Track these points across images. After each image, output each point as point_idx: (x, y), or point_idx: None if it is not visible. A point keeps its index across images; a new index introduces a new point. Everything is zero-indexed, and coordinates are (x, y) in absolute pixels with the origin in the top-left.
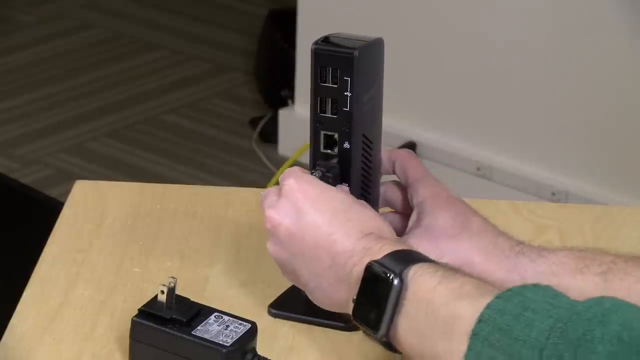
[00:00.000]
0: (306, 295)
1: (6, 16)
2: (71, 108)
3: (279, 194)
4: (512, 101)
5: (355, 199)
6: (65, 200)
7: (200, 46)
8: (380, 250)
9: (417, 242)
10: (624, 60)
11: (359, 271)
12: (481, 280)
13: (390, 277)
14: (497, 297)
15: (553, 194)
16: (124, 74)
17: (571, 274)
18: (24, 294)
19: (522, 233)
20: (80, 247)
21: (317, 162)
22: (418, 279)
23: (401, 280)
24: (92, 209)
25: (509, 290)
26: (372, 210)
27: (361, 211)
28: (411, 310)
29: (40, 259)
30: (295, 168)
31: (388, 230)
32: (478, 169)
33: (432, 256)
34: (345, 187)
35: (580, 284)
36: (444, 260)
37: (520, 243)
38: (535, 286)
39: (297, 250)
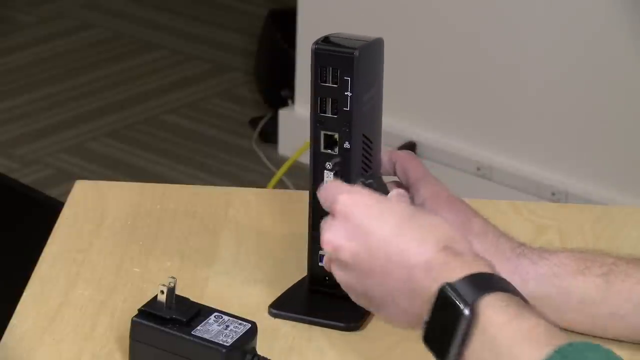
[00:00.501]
0: (306, 295)
1: (6, 16)
2: (71, 108)
3: (333, 214)
4: (512, 101)
5: (414, 206)
6: (65, 200)
7: (200, 46)
8: (458, 269)
9: None
10: (624, 60)
11: (436, 289)
12: (551, 324)
13: (462, 307)
14: (557, 352)
15: (553, 194)
16: (124, 74)
17: (572, 275)
18: (24, 294)
19: (522, 233)
20: (80, 247)
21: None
22: (489, 312)
23: (472, 311)
24: (92, 209)
25: (570, 345)
26: (438, 216)
27: (428, 218)
28: (477, 346)
29: (40, 259)
30: (338, 182)
31: (464, 240)
32: (478, 169)
33: None
34: (402, 192)
35: (582, 285)
36: None
37: (521, 245)
38: (597, 348)
39: (367, 269)
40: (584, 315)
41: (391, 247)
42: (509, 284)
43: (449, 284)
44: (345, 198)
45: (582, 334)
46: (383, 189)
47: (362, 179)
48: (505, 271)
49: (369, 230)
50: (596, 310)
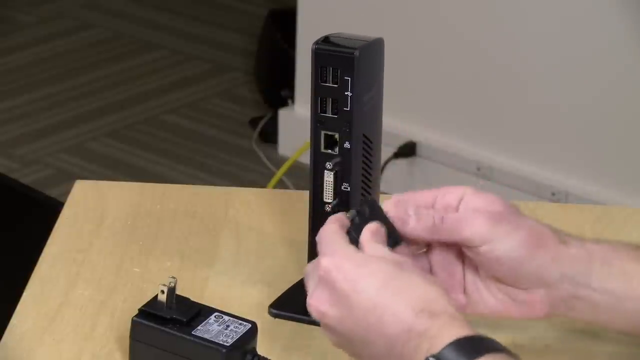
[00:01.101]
0: (306, 295)
1: (6, 16)
2: (71, 108)
3: (317, 276)
4: (512, 101)
5: (398, 263)
6: (65, 200)
7: (200, 46)
8: (438, 335)
9: None
10: (624, 60)
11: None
12: None
13: None
14: None
15: (553, 194)
16: (124, 74)
17: (631, 260)
18: (24, 294)
19: None
20: (80, 247)
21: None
22: None
23: None
24: (92, 209)
25: None
26: (420, 274)
27: (407, 279)
28: None
29: (40, 259)
30: (329, 232)
31: (441, 298)
32: (478, 169)
33: None
34: (375, 231)
35: None
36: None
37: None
38: None
39: (351, 335)
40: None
41: (371, 317)
42: (494, 342)
43: (434, 356)
44: (327, 261)
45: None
46: (378, 216)
47: (357, 208)
48: (569, 250)
49: (350, 299)
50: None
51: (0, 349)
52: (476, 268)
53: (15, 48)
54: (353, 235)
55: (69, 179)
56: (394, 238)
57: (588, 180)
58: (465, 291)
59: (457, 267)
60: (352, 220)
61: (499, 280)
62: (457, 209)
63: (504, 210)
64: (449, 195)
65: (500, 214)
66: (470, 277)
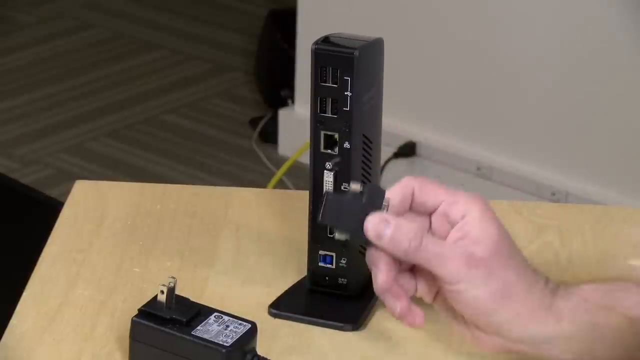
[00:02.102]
0: (306, 295)
1: (6, 16)
2: (71, 108)
3: None
4: (512, 101)
5: None
6: (65, 200)
7: (200, 46)
8: None
9: None
10: (623, 60)
11: None
12: None
13: None
14: None
15: (553, 194)
16: (124, 74)
17: (603, 310)
18: (24, 294)
19: (522, 233)
20: (80, 247)
21: None
22: None
23: None
24: (92, 209)
25: None
26: None
27: None
28: None
29: (40, 259)
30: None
31: None
32: (478, 169)
33: None
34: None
35: (614, 320)
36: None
37: (548, 279)
38: None
39: None
40: (616, 350)
41: None
42: None
43: None
44: None
45: None
46: (377, 198)
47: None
48: (540, 309)
49: None
50: (630, 344)
51: (0, 349)
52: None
53: (15, 48)
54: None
55: (69, 179)
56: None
57: (588, 180)
58: (434, 299)
59: (411, 285)
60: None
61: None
62: (454, 225)
63: (487, 254)
64: (456, 207)
65: (481, 258)
66: (432, 289)
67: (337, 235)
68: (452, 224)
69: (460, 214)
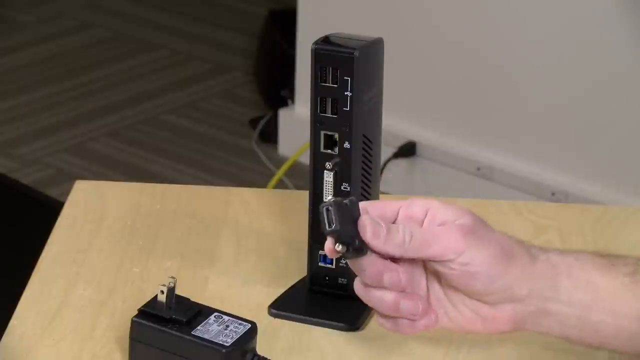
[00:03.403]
0: (306, 295)
1: (6, 16)
2: (71, 108)
3: None
4: (512, 101)
5: None
6: (65, 200)
7: (200, 46)
8: None
9: None
10: (623, 60)
11: None
12: None
13: None
14: None
15: (553, 194)
16: (124, 74)
17: (599, 270)
18: (24, 294)
19: (522, 233)
20: (80, 247)
21: None
22: None
23: None
24: (92, 209)
25: None
26: None
27: None
28: None
29: (40, 259)
30: None
31: None
32: (478, 169)
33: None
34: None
35: (610, 282)
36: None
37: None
38: None
39: None
40: (612, 316)
41: None
42: None
43: None
44: None
45: (606, 345)
46: (356, 208)
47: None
48: (540, 262)
49: None
50: (625, 310)
51: (0, 349)
52: (439, 283)
53: (15, 48)
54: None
55: (69, 179)
56: (359, 247)
57: (588, 180)
58: (432, 303)
59: (422, 283)
60: (330, 206)
61: (467, 294)
62: (422, 222)
63: (473, 223)
64: (415, 206)
65: (471, 227)
66: (434, 292)
67: (339, 248)
68: (419, 221)
69: (423, 210)
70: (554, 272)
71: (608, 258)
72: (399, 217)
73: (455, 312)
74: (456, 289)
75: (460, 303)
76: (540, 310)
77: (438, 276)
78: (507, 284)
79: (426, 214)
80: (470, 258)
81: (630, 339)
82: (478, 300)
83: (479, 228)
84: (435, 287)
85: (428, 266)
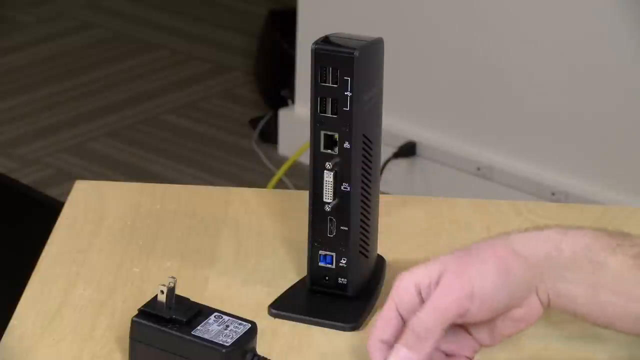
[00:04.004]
0: (306, 295)
1: (6, 16)
2: (71, 108)
3: None
4: (512, 101)
5: None
6: (65, 200)
7: (200, 46)
8: None
9: None
10: (623, 60)
11: None
12: None
13: None
14: None
15: (553, 194)
16: (124, 74)
17: (605, 251)
18: (24, 294)
19: None
20: (80, 247)
21: None
22: None
23: None
24: (92, 209)
25: None
26: None
27: None
28: None
29: (40, 259)
30: None
31: None
32: (478, 169)
33: None
34: None
35: (616, 262)
36: None
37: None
38: None
39: None
40: (618, 296)
41: None
42: None
43: None
44: None
45: (613, 326)
46: None
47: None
48: (539, 242)
49: None
50: (630, 291)
51: (0, 349)
52: (474, 328)
53: (15, 48)
54: None
55: (69, 179)
56: None
57: (588, 180)
58: (480, 343)
59: (460, 335)
60: None
61: (499, 315)
62: (421, 301)
63: (454, 255)
64: (404, 296)
65: (461, 263)
66: (475, 333)
67: None
68: (417, 303)
69: (417, 292)
70: (556, 255)
71: (615, 237)
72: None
73: (495, 333)
74: (490, 317)
75: (495, 326)
76: (555, 292)
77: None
78: (521, 287)
79: (420, 295)
80: (480, 296)
81: (635, 321)
82: (510, 309)
83: (461, 259)
84: (474, 330)
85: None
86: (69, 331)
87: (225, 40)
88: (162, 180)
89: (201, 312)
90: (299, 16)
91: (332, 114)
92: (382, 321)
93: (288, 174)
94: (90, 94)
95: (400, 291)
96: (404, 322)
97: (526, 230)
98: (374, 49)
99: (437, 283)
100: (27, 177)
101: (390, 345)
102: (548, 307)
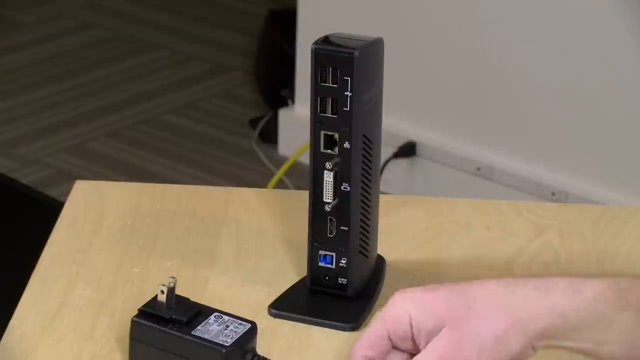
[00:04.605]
0: (306, 295)
1: (6, 16)
2: (71, 108)
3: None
4: (512, 101)
5: None
6: (65, 200)
7: (200, 46)
8: None
9: None
10: (623, 60)
11: None
12: None
13: None
14: None
15: (553, 194)
16: (124, 74)
17: (613, 309)
18: (24, 294)
19: (522, 233)
20: (80, 247)
21: None
22: None
23: None
24: (92, 209)
25: None
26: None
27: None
28: None
29: (40, 259)
30: None
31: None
32: (478, 169)
33: None
34: None
35: (624, 319)
36: None
37: (547, 279)
38: None
39: None
40: (625, 347)
41: None
42: None
43: None
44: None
45: None
46: None
47: None
48: (543, 309)
49: None
50: (637, 341)
51: (0, 349)
52: None
53: (15, 48)
54: None
55: (69, 179)
56: None
57: (588, 180)
58: None
59: None
60: None
61: None
62: (412, 336)
63: (446, 307)
64: (399, 327)
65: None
66: None
67: None
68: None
69: (407, 322)
70: (561, 322)
71: (624, 292)
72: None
73: None
74: None
75: None
76: (556, 345)
77: None
78: (517, 356)
79: (410, 325)
80: (474, 331)
81: None
82: None
83: (461, 326)
84: None
85: None
86: (69, 331)
87: (225, 40)
88: (162, 180)
89: (201, 312)
90: (299, 16)
91: (332, 114)
92: (370, 340)
93: (288, 174)
94: (90, 94)
95: (394, 321)
96: (391, 343)
97: (534, 287)
98: (374, 49)
99: (430, 332)
100: (27, 177)
101: None
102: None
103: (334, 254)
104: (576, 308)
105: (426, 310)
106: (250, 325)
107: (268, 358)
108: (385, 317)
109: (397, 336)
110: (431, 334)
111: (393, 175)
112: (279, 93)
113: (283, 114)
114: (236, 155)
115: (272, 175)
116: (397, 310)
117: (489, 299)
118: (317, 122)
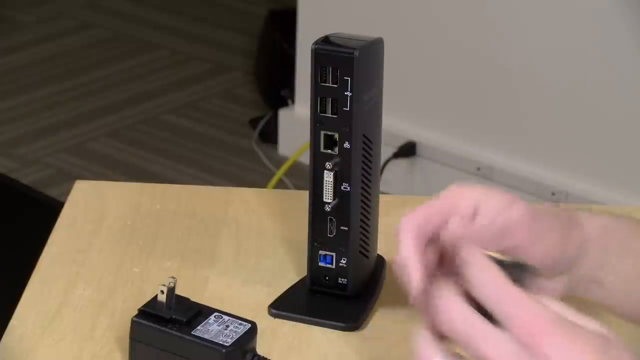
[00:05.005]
0: (306, 295)
1: (6, 16)
2: (71, 108)
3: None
4: (512, 101)
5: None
6: (65, 200)
7: (200, 46)
8: None
9: None
10: (623, 60)
11: None
12: None
13: None
14: None
15: (553, 194)
16: (124, 74)
17: (631, 233)
18: (24, 294)
19: None
20: (80, 247)
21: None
22: None
23: None
24: (92, 209)
25: None
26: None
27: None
28: None
29: (40, 259)
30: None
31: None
32: (478, 169)
33: None
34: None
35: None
36: None
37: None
38: None
39: None
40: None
41: None
42: None
43: None
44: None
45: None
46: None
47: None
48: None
49: None
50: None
51: (0, 349)
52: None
53: (15, 48)
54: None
55: (69, 179)
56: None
57: (588, 180)
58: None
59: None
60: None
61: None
62: (474, 218)
63: (525, 210)
64: (463, 203)
65: (532, 215)
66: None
67: None
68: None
69: (472, 205)
70: (604, 238)
71: (637, 224)
72: (451, 221)
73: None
74: None
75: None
76: (590, 279)
77: None
78: (570, 257)
79: (476, 210)
80: (538, 247)
81: None
82: (545, 277)
83: (533, 212)
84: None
85: None
86: (69, 331)
87: (225, 40)
88: (162, 180)
89: (201, 312)
90: (299, 16)
91: (332, 114)
92: (426, 212)
93: (288, 174)
94: (90, 94)
95: (457, 196)
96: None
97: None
98: (374, 49)
99: (499, 208)
100: (27, 177)
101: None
102: (564, 294)
103: (334, 254)
104: (615, 230)
105: (492, 193)
106: (250, 325)
107: (268, 358)
108: (447, 193)
109: (456, 213)
110: (499, 211)
111: (393, 175)
112: (279, 93)
113: (283, 114)
114: (236, 155)
115: (272, 175)
116: (460, 188)
117: (560, 215)
118: (317, 122)
